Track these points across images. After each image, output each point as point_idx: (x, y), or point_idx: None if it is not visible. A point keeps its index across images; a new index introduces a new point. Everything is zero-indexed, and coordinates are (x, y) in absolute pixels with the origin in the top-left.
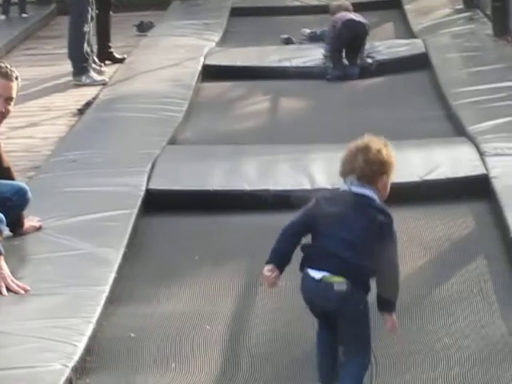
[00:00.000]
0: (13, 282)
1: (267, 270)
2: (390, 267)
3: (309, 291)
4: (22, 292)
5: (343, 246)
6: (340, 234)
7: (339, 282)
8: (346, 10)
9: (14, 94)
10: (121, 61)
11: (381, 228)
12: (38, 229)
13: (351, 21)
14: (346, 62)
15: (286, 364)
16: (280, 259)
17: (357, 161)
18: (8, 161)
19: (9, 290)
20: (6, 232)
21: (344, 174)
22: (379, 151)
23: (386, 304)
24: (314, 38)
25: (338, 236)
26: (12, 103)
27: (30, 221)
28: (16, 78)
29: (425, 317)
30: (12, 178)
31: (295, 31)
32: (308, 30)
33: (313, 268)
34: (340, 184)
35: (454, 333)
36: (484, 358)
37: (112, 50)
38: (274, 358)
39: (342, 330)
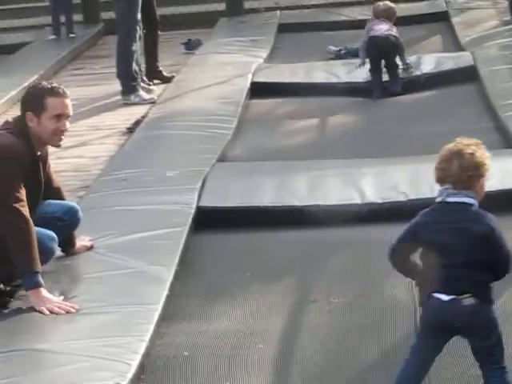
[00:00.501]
0: (57, 305)
1: None
2: (505, 268)
3: (437, 312)
4: (63, 312)
5: (458, 270)
6: (451, 259)
7: (467, 298)
8: (388, 16)
9: (71, 112)
10: (169, 79)
11: (485, 239)
12: (90, 248)
13: (373, 38)
14: (387, 78)
15: None
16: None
17: (451, 167)
18: (58, 181)
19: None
20: (58, 252)
21: (439, 181)
22: (473, 154)
23: None
24: (349, 54)
25: (450, 261)
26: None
27: (81, 240)
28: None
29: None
30: (62, 198)
31: (342, 46)
32: (334, 48)
33: (438, 292)
34: (437, 191)
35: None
36: None
37: (160, 68)
38: (327, 378)
39: (477, 345)
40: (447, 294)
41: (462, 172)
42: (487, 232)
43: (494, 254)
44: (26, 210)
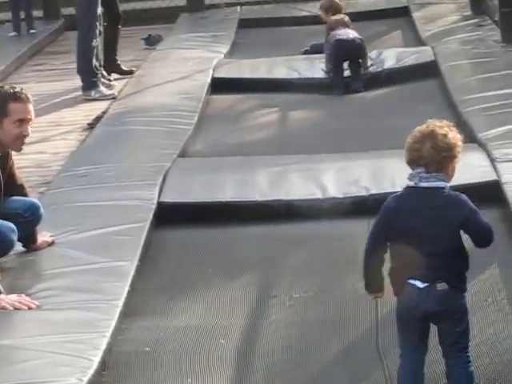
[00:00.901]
0: (17, 300)
1: (371, 298)
2: (484, 238)
3: (412, 298)
4: (25, 308)
5: (433, 258)
6: (426, 247)
7: (441, 284)
8: (344, 24)
9: (33, 117)
10: (128, 73)
11: (463, 223)
12: (51, 244)
13: (340, 41)
14: (348, 74)
15: (302, 379)
16: (376, 285)
17: (424, 148)
18: (21, 178)
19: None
20: (20, 247)
21: (411, 163)
22: (446, 136)
23: None
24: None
25: (425, 249)
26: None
27: (42, 236)
28: None
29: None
30: (25, 195)
31: (303, 41)
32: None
33: (413, 279)
34: (407, 175)
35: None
36: (502, 375)
37: (119, 62)
38: (289, 373)
39: (447, 330)
40: (422, 281)
41: (435, 153)
42: (467, 215)
43: (476, 231)
44: None
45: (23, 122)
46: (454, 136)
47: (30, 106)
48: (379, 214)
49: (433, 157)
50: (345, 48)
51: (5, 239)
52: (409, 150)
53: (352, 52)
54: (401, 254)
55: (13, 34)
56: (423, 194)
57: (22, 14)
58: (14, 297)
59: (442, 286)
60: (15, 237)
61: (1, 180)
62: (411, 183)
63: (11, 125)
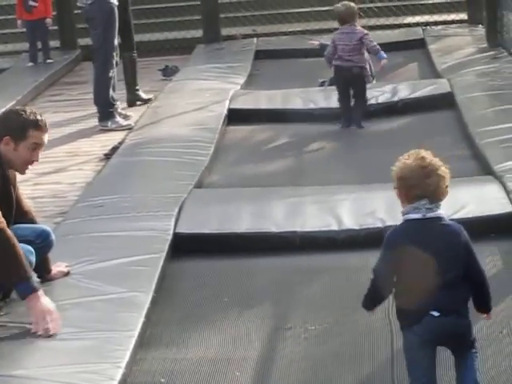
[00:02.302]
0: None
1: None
2: (481, 275)
3: (432, 326)
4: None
5: (445, 288)
6: (439, 277)
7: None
8: (351, 17)
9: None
10: (148, 100)
11: (464, 249)
12: (66, 274)
13: (339, 68)
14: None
15: None
16: (374, 308)
17: (430, 182)
18: (28, 204)
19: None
20: (34, 277)
21: (414, 198)
22: (442, 165)
23: (485, 306)
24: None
25: (437, 280)
26: None
27: (57, 266)
28: None
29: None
30: (33, 222)
31: (319, 73)
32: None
33: (431, 310)
34: (406, 209)
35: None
36: None
37: (139, 91)
38: None
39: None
40: (437, 311)
41: (441, 185)
42: (467, 240)
43: (474, 262)
44: (2, 222)
45: (36, 148)
46: (444, 165)
47: (46, 135)
48: (385, 250)
49: (440, 189)
50: (342, 75)
51: None
52: (409, 185)
53: (350, 80)
54: (412, 288)
55: (29, 64)
56: (429, 224)
57: (39, 45)
58: (52, 306)
59: (451, 316)
60: (33, 258)
61: (13, 195)
62: (416, 216)
63: (25, 149)
